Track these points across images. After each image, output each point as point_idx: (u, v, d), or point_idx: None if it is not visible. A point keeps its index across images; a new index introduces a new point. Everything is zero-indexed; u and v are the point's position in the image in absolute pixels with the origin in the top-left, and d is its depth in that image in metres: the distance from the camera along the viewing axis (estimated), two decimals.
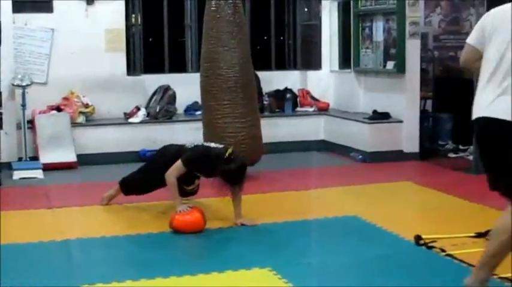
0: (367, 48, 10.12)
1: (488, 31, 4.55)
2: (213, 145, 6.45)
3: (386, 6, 9.60)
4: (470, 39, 4.67)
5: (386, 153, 9.23)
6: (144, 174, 6.73)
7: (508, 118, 4.25)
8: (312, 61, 11.30)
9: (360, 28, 10.23)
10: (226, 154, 6.08)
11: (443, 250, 5.31)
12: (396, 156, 9.22)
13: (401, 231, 5.82)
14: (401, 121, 9.33)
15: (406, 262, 5.21)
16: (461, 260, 5.07)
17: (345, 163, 9.36)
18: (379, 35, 9.87)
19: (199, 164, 6.28)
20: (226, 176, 6.01)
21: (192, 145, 6.47)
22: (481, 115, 4.42)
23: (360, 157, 9.34)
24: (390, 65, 9.54)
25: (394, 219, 6.30)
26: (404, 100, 9.31)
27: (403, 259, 5.28)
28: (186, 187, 6.50)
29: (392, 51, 9.55)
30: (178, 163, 6.23)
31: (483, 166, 4.55)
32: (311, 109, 10.67)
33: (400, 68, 9.29)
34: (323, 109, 10.67)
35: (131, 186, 6.79)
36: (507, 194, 4.33)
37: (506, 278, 4.66)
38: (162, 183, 6.35)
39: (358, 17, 10.23)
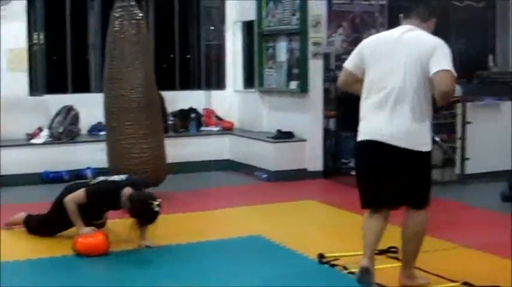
0: (271, 68, 10.23)
1: (367, 57, 4.86)
2: (116, 178, 6.39)
3: (290, 26, 9.74)
4: (348, 64, 5.03)
5: (290, 172, 9.34)
6: (50, 215, 6.55)
7: (402, 145, 4.67)
8: (216, 81, 11.35)
9: (264, 48, 10.34)
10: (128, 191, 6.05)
11: (345, 268, 5.40)
12: (300, 175, 9.34)
13: (304, 250, 5.90)
14: (305, 140, 9.47)
15: (309, 281, 5.28)
16: None
17: (249, 182, 9.42)
18: (282, 55, 10.00)
19: (102, 198, 6.21)
20: (135, 216, 5.99)
21: (98, 180, 6.43)
22: (373, 139, 4.78)
23: (265, 176, 9.42)
24: (293, 84, 9.68)
25: (298, 238, 6.38)
26: (308, 119, 9.46)
27: (306, 277, 5.35)
28: (95, 221, 6.40)
29: (296, 71, 9.68)
30: (81, 191, 6.15)
31: (363, 184, 5.02)
32: (216, 129, 10.71)
33: (303, 88, 9.44)
34: (228, 129, 10.73)
35: (34, 226, 6.60)
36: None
37: None
38: (68, 224, 6.26)
39: (261, 37, 10.33)
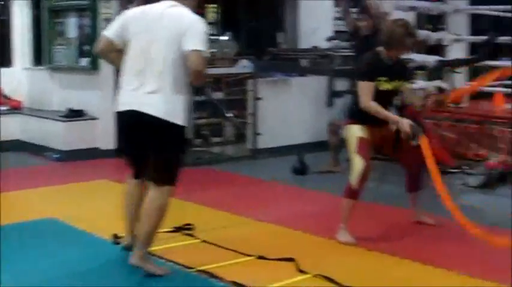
0: (61, 44, 9.91)
1: (130, 29, 4.92)
2: None
3: (79, 2, 9.48)
4: (108, 33, 5.05)
5: (82, 151, 9.12)
6: None
7: (158, 115, 4.72)
8: (3, 58, 10.82)
9: (53, 24, 9.99)
10: None
11: None
12: (92, 154, 9.15)
13: (99, 231, 5.77)
14: (96, 118, 9.27)
15: (104, 262, 5.16)
16: (160, 256, 5.13)
17: (40, 163, 9.10)
18: (72, 31, 9.71)
19: None
20: None
21: None
22: (131, 109, 4.83)
23: (56, 156, 9.13)
24: (84, 61, 9.44)
25: (93, 219, 6.23)
26: (99, 97, 9.25)
27: (101, 259, 5.22)
28: None
29: (86, 47, 9.43)
30: None
31: (125, 154, 5.19)
32: (3, 108, 10.22)
33: (94, 65, 9.23)
34: (16, 107, 10.29)
35: None
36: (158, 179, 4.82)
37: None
38: None
39: (50, 12, 9.98)
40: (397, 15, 8.12)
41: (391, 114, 5.68)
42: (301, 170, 8.38)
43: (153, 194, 4.82)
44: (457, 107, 9.25)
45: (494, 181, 7.64)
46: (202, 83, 5.36)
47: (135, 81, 4.83)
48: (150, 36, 4.81)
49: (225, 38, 10.58)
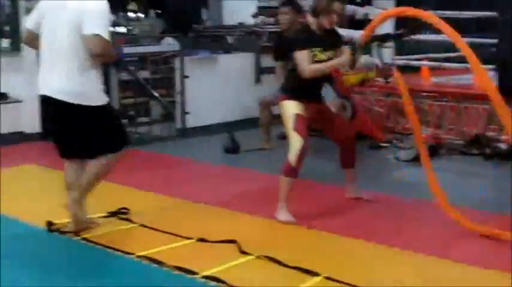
0: None
1: (43, 14, 5.09)
2: None
3: None
4: (28, 23, 5.26)
5: (6, 135, 8.79)
6: None
7: (63, 98, 4.91)
8: None
9: None
10: None
11: (77, 234, 5.17)
12: (17, 138, 8.84)
13: (32, 218, 5.55)
14: (20, 101, 8.95)
15: (40, 251, 4.98)
16: (96, 243, 4.99)
17: None
18: None
19: None
20: None
21: None
22: (43, 93, 5.04)
23: None
24: (5, 43, 9.09)
25: (23, 206, 5.98)
26: (23, 79, 8.92)
27: (36, 247, 5.04)
28: None
29: (7, 28, 9.08)
30: None
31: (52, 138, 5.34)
32: None
33: (16, 46, 8.90)
34: None
35: None
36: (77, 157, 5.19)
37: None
38: None
39: None
40: None
41: (331, 62, 5.61)
42: (232, 149, 8.29)
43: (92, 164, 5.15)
44: (385, 81, 9.28)
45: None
46: (111, 61, 5.47)
47: (47, 67, 5.02)
48: (56, 21, 4.94)
49: (150, 16, 10.39)
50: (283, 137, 8.14)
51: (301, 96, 5.64)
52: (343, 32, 8.73)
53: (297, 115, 5.60)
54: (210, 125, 9.46)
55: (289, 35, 7.22)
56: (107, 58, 5.10)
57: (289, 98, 5.70)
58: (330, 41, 5.71)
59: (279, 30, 8.31)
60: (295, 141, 5.52)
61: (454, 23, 12.12)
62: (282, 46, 6.68)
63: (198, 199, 6.19)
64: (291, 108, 5.65)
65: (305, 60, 5.51)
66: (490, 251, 4.91)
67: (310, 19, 5.72)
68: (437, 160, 7.69)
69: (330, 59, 5.67)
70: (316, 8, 5.64)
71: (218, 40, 10.35)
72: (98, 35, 4.81)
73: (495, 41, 8.16)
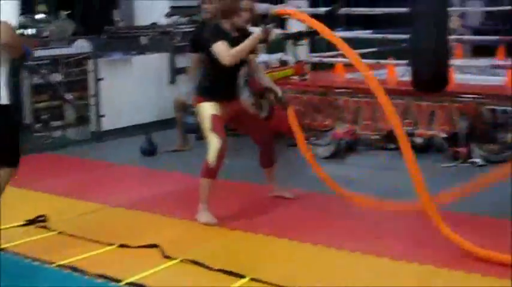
0: None
1: None
2: None
3: None
4: None
5: None
6: None
7: None
8: None
9: None
10: None
11: None
12: None
13: None
14: None
15: None
16: (15, 253, 4.84)
17: None
18: None
19: None
20: None
21: None
22: None
23: None
24: None
25: None
26: None
27: None
28: None
29: None
30: None
31: None
32: None
33: None
34: None
35: None
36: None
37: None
38: None
39: None
40: None
41: (248, 39, 5.50)
42: (150, 151, 8.18)
43: None
44: (301, 78, 9.35)
45: (343, 150, 7.78)
46: (19, 55, 5.15)
47: None
48: None
49: (60, 17, 10.18)
50: (201, 137, 8.14)
51: (217, 97, 5.61)
52: (256, 30, 8.77)
53: (214, 116, 5.56)
54: (126, 127, 9.31)
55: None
56: (13, 50, 4.81)
57: (205, 99, 5.65)
58: (243, 41, 5.68)
59: (201, 20, 8.18)
60: (214, 142, 5.48)
61: (366, 19, 12.38)
62: (203, 36, 6.53)
63: (117, 203, 6.08)
64: (207, 109, 5.60)
65: (224, 49, 5.43)
66: (415, 246, 4.97)
67: (221, 19, 5.65)
68: (355, 156, 7.80)
69: (242, 60, 5.64)
70: (225, 10, 5.59)
71: (131, 41, 10.20)
72: (5, 22, 4.63)
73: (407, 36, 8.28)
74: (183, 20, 10.30)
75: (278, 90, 5.79)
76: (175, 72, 9.95)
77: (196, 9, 9.63)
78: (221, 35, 5.53)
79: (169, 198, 6.29)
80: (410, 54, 8.33)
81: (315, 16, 10.49)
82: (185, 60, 9.13)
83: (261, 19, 5.77)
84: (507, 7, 11.43)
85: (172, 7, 11.11)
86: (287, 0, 10.17)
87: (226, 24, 5.61)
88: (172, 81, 9.93)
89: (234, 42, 5.54)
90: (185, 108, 8.07)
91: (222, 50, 5.44)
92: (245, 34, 5.71)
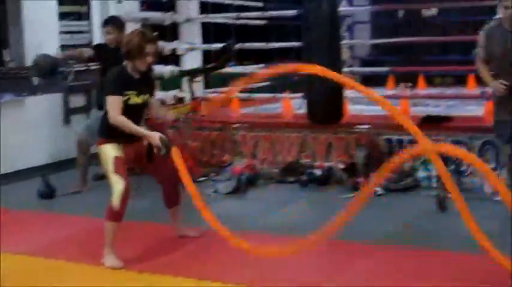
0: None
1: None
2: None
3: None
4: None
5: None
6: None
7: None
8: None
9: None
10: None
11: None
12: None
13: None
14: None
15: None
16: None
17: None
18: None
19: None
20: None
21: None
22: None
23: None
24: None
25: None
26: None
27: None
28: None
29: None
30: None
31: None
32: None
33: None
34: None
35: None
36: None
37: None
38: None
39: None
40: (130, 27, 8.06)
41: (140, 129, 5.58)
42: (48, 193, 7.99)
43: None
44: (197, 115, 9.38)
45: (244, 185, 7.84)
46: None
47: None
48: None
49: None
50: (99, 177, 8.03)
51: (118, 138, 5.58)
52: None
53: (116, 158, 5.53)
54: (21, 170, 9.07)
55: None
56: None
57: (107, 141, 5.62)
58: (146, 85, 5.69)
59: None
60: (117, 184, 5.43)
61: (257, 53, 12.56)
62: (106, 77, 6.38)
63: (18, 250, 5.90)
64: (109, 152, 5.57)
65: (116, 108, 5.47)
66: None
67: (127, 62, 5.63)
68: (256, 190, 7.86)
69: (144, 103, 5.66)
70: (129, 51, 5.58)
71: (23, 82, 9.96)
72: None
73: None
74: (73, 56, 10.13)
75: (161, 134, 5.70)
76: (70, 112, 9.81)
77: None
78: (121, 85, 5.53)
79: (73, 242, 6.17)
80: (304, 87, 8.53)
81: (209, 52, 10.67)
82: (79, 99, 9.04)
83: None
84: (393, 39, 11.91)
85: (63, 45, 10.93)
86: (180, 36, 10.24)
87: (129, 66, 5.59)
88: (67, 121, 9.78)
89: (135, 86, 5.55)
90: (87, 148, 7.97)
91: (113, 108, 5.49)
92: (148, 76, 5.73)
